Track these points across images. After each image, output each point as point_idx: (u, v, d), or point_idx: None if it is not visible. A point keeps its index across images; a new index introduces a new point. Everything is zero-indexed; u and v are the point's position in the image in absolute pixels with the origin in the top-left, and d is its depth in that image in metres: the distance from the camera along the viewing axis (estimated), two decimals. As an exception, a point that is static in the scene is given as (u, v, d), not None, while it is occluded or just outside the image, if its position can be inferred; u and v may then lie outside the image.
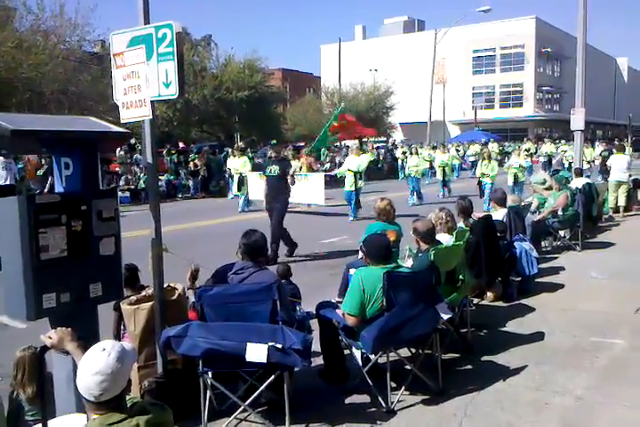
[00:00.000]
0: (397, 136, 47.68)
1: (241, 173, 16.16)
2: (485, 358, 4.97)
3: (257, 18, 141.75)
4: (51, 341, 2.54)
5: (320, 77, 57.20)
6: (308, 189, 14.77)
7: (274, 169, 9.52)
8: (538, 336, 5.45)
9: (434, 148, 27.87)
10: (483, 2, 35.12)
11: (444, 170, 18.91)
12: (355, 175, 13.92)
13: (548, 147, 27.91)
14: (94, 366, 2.05)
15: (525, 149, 25.48)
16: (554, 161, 25.53)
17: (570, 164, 23.94)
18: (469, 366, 4.86)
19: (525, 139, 37.32)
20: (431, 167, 22.62)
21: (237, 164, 16.66)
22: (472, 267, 5.78)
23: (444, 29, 35.42)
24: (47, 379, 3.31)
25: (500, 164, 21.58)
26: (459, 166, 27.68)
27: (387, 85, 42.88)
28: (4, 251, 3.37)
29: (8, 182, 15.57)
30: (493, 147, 32.49)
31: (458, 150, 31.61)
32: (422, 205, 15.96)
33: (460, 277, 5.28)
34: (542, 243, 9.30)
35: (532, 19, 54.06)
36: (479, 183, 15.60)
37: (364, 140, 42.13)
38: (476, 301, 6.39)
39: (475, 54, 56.64)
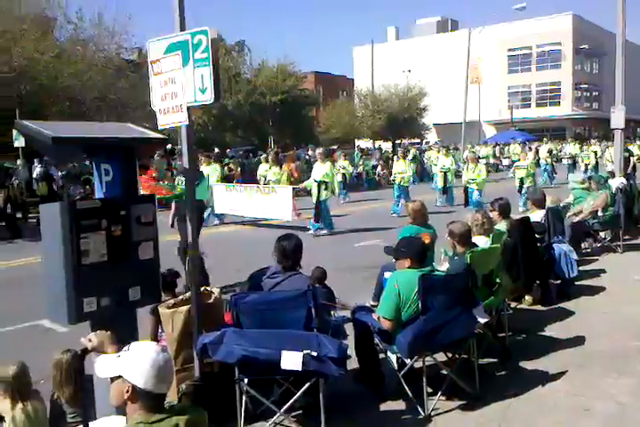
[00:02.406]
0: (431, 137, 47.29)
1: None
2: (524, 362, 4.88)
3: (289, 22, 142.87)
4: (91, 344, 2.58)
5: (353, 80, 57.15)
6: (274, 203, 13.31)
7: (183, 182, 7.52)
8: (578, 341, 5.33)
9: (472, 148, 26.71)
10: (516, 0, 34.54)
11: (445, 175, 16.70)
12: (319, 185, 12.30)
13: (571, 147, 25.66)
14: (160, 358, 2.12)
15: (548, 151, 23.96)
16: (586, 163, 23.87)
17: (586, 166, 22.60)
18: (507, 371, 4.78)
19: (545, 139, 35.20)
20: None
21: (204, 172, 14.59)
22: (509, 270, 5.68)
23: (478, 28, 34.99)
24: (87, 382, 3.38)
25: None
26: None
27: (420, 86, 42.57)
28: (47, 255, 3.46)
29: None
30: (515, 148, 30.34)
31: (474, 152, 29.91)
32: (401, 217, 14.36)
33: (498, 280, 5.20)
34: (582, 245, 9.10)
35: (568, 15, 52.97)
36: (465, 190, 14.24)
37: (398, 142, 42.13)
38: (513, 304, 6.28)
39: (510, 53, 55.82)
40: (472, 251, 4.88)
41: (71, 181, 17.56)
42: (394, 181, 16.05)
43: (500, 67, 55.42)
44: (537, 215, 7.39)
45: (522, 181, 15.19)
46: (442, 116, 48.65)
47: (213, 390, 3.95)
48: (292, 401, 3.79)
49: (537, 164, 21.42)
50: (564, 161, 25.19)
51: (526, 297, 6.49)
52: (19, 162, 17.36)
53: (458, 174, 18.83)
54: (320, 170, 12.61)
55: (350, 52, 63.38)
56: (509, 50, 55.54)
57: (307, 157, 25.43)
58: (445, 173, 16.72)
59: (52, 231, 3.36)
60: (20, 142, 16.16)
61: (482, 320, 4.37)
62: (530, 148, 28.10)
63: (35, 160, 18.35)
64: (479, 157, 27.30)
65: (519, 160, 16.84)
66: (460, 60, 39.75)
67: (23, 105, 16.95)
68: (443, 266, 5.34)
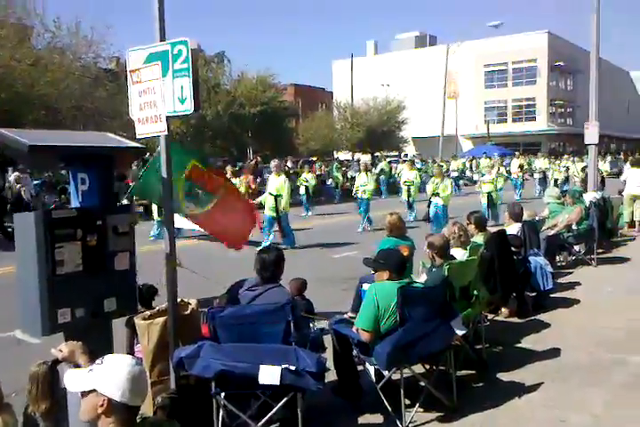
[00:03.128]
0: (409, 150, 47.74)
1: None
2: (500, 374, 4.90)
3: (269, 34, 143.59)
4: (62, 354, 2.53)
5: (332, 93, 57.54)
6: None
7: None
8: (554, 353, 5.38)
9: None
10: (494, 17, 35.25)
11: (409, 189, 16.00)
12: (275, 199, 11.74)
13: (542, 162, 26.04)
14: (136, 370, 2.09)
15: (519, 166, 23.70)
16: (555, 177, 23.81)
17: (555, 180, 22.59)
18: (484, 383, 4.80)
19: (517, 153, 35.29)
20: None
21: None
22: (487, 282, 5.72)
23: (455, 44, 35.58)
24: (61, 394, 3.31)
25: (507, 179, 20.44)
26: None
27: (399, 100, 43.03)
28: (21, 265, 3.39)
29: (24, 197, 15.76)
30: (484, 162, 28.59)
31: (441, 166, 29.10)
32: (373, 230, 13.82)
33: (475, 292, 5.24)
34: (557, 257, 9.22)
35: (544, 33, 54.15)
36: (429, 205, 13.73)
37: (377, 154, 42.43)
38: (490, 316, 6.32)
39: (486, 68, 56.80)
40: (450, 263, 4.92)
41: (46, 190, 17.32)
42: (356, 194, 15.41)
43: (477, 82, 56.35)
44: (513, 228, 7.47)
45: (489, 196, 14.95)
46: (420, 130, 49.23)
47: (189, 403, 3.89)
48: (269, 415, 3.74)
49: (507, 178, 21.63)
50: (535, 175, 25.20)
51: (503, 309, 6.54)
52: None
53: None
54: (274, 183, 12.03)
55: (330, 66, 63.92)
56: (486, 65, 56.52)
57: (286, 168, 25.52)
58: (409, 186, 16.12)
59: (27, 241, 3.29)
60: (-7, 150, 15.88)
61: (459, 332, 4.40)
62: (498, 162, 28.13)
63: (9, 168, 18.07)
64: (448, 171, 26.82)
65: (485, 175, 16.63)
66: (438, 75, 40.35)
67: (-2, 113, 16.69)
68: (421, 278, 5.37)
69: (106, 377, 2.06)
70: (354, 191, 15.77)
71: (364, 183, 15.06)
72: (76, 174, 3.58)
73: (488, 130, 48.54)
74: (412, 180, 16.30)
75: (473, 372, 4.96)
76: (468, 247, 5.63)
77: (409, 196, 16.11)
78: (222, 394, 3.75)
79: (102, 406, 2.04)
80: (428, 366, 4.62)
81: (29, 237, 3.27)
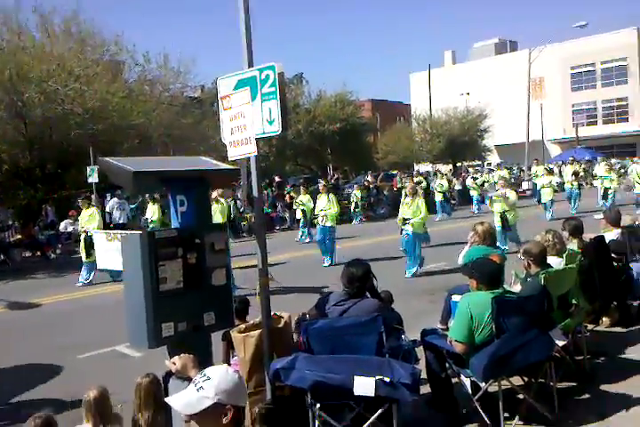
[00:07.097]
0: (493, 159, 46.53)
1: (87, 232, 11.72)
2: (604, 387, 4.68)
3: (345, 51, 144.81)
4: (175, 367, 2.67)
5: (409, 105, 57.29)
6: None
7: None
8: (663, 364, 5.06)
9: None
10: (577, 17, 33.93)
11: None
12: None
13: (602, 169, 19.68)
14: (237, 374, 2.18)
15: (573, 173, 19.71)
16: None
17: (605, 190, 17.83)
18: (587, 396, 4.59)
19: (571, 158, 26.64)
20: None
21: (83, 218, 12.26)
22: (586, 291, 5.49)
23: (538, 48, 34.50)
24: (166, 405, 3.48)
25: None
26: (479, 199, 21.06)
27: (480, 108, 42.19)
28: (128, 283, 3.64)
29: (121, 221, 16.82)
30: (537, 170, 22.09)
31: (418, 180, 22.13)
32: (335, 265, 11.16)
33: (574, 301, 5.05)
34: (661, 264, 8.65)
35: (633, 30, 51.52)
36: (401, 232, 10.54)
37: (458, 164, 41.66)
38: (590, 326, 6.05)
39: (573, 70, 54.67)
40: (546, 272, 4.76)
41: (141, 213, 18.31)
42: (315, 220, 12.75)
43: (563, 84, 54.31)
44: (612, 234, 7.11)
45: (503, 217, 11.57)
46: (504, 137, 47.95)
47: (285, 413, 3.98)
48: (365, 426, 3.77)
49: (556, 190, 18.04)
50: (595, 183, 20.42)
51: (604, 319, 6.24)
52: (92, 197, 18.28)
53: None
54: (216, 211, 9.70)
55: (407, 79, 63.84)
56: (572, 67, 54.41)
57: (365, 182, 25.58)
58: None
59: (133, 259, 3.54)
60: (93, 178, 17.01)
61: (559, 343, 4.25)
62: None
63: (107, 195, 19.28)
64: (415, 189, 22.23)
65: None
66: (521, 81, 39.21)
67: (96, 143, 17.89)
68: (514, 288, 5.23)
69: (223, 388, 2.07)
70: (313, 217, 13.01)
71: (324, 207, 12.25)
72: (175, 197, 3.81)
73: (577, 133, 46.52)
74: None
75: (575, 384, 4.76)
76: (564, 255, 5.43)
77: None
78: (317, 405, 3.82)
79: (226, 415, 2.05)
80: (526, 378, 4.48)
81: (135, 256, 3.51)
